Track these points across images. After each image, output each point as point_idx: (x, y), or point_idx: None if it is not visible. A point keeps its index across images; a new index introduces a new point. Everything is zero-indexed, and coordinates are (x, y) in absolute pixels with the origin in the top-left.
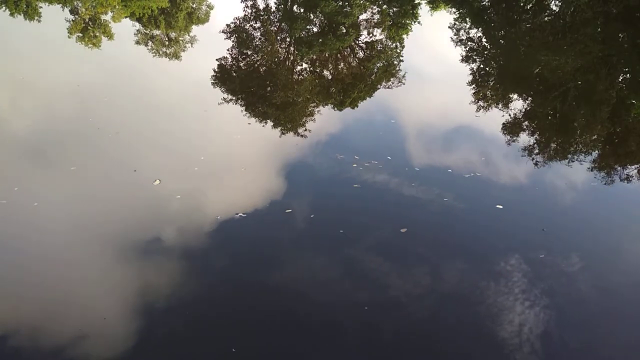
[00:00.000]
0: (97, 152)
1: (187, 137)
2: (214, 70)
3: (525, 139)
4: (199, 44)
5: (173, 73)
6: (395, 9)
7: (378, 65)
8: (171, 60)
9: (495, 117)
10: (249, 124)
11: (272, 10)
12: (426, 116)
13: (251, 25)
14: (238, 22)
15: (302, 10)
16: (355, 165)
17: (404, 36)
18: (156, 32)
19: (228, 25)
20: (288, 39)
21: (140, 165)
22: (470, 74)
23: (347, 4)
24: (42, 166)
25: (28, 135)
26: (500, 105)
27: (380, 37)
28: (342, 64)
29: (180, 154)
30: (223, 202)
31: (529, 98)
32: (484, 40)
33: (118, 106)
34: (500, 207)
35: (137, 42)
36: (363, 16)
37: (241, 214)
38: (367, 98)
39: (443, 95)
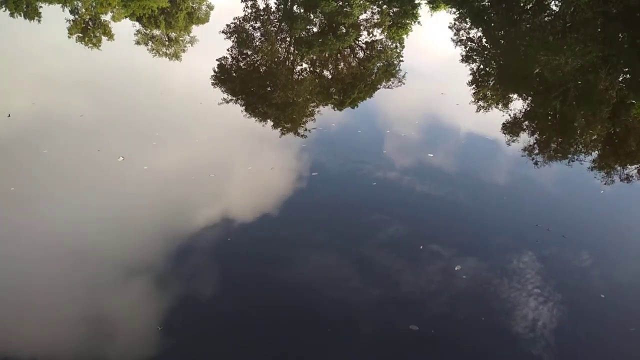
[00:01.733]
0: (66, 137)
1: (142, 117)
2: (214, 70)
3: (525, 138)
4: (198, 44)
5: (154, 66)
6: (395, 9)
7: (378, 65)
8: (155, 55)
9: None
10: (201, 103)
11: (272, 10)
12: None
13: (251, 25)
14: (238, 22)
15: (302, 10)
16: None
17: (404, 36)
18: (156, 32)
19: (228, 26)
20: (288, 39)
21: (103, 146)
22: (470, 73)
23: (347, 4)
24: (20, 153)
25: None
26: (499, 105)
27: (381, 37)
28: (342, 64)
29: (140, 134)
30: (186, 167)
31: (529, 98)
32: (484, 40)
33: (98, 97)
34: (431, 155)
35: (137, 42)
36: (363, 16)
37: (212, 175)
38: (368, 98)
39: (438, 93)
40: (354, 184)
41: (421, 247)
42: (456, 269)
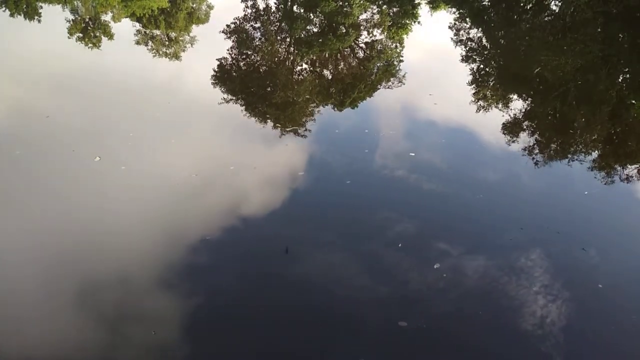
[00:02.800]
0: (41, 138)
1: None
2: (214, 70)
3: (525, 138)
4: (198, 44)
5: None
6: (395, 9)
7: (378, 65)
8: (155, 55)
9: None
10: (169, 103)
11: (272, 10)
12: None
13: (251, 25)
14: (238, 22)
15: (302, 10)
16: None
17: (404, 36)
18: (156, 32)
19: (228, 26)
20: (288, 39)
21: (79, 146)
22: (470, 73)
23: (347, 4)
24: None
25: None
26: (499, 105)
27: (381, 37)
28: (342, 64)
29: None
30: (166, 165)
31: (529, 98)
32: (484, 40)
33: (78, 97)
34: (413, 154)
35: (137, 42)
36: (363, 16)
37: (194, 175)
38: (368, 98)
39: (437, 92)
40: (349, 182)
41: (400, 243)
42: (435, 267)
